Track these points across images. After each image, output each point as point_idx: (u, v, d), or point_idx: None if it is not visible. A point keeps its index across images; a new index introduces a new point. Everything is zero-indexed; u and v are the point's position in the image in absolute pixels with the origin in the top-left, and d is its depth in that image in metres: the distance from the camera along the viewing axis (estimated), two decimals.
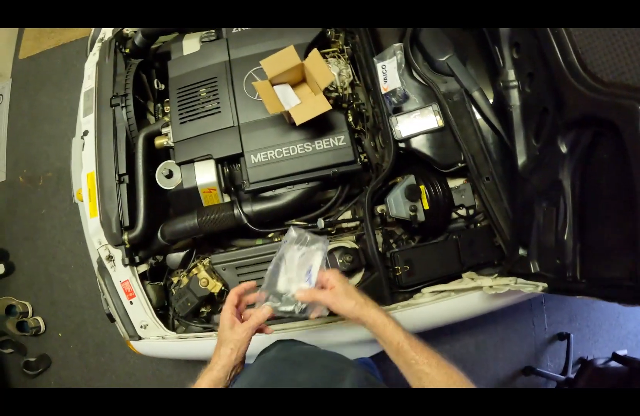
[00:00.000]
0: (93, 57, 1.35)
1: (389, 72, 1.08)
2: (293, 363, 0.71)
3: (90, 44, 1.41)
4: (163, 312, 1.22)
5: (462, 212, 1.15)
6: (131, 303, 1.16)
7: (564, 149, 0.84)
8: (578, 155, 0.83)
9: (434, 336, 1.63)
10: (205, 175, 1.10)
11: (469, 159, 1.06)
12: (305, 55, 1.14)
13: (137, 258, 1.16)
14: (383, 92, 1.08)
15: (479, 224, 1.16)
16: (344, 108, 1.16)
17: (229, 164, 1.12)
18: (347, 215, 1.18)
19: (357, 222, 1.13)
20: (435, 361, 0.65)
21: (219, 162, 1.10)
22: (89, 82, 1.33)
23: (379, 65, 1.10)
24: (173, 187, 1.15)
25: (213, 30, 1.26)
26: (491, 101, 1.09)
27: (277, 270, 0.76)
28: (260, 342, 0.81)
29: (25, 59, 2.36)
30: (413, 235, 1.17)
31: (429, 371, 0.64)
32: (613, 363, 1.56)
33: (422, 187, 1.08)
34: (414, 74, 1.12)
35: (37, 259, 1.99)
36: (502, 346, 1.74)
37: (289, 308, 0.73)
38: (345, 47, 1.23)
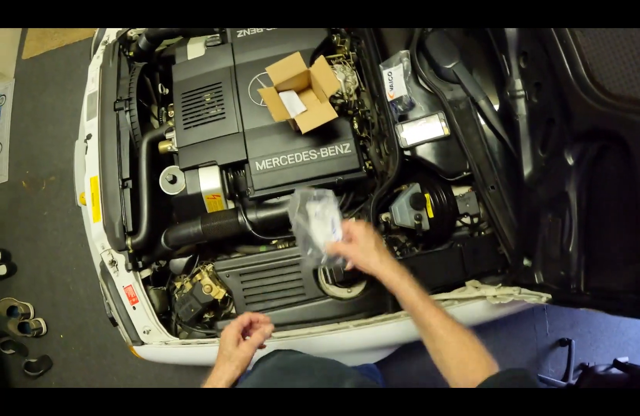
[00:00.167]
0: (97, 60, 1.35)
1: (395, 79, 1.07)
2: (292, 371, 0.71)
3: (94, 47, 1.40)
4: (166, 317, 1.22)
5: (467, 220, 1.14)
6: (134, 308, 1.16)
7: (570, 161, 0.83)
8: (585, 167, 0.82)
9: None
10: (209, 181, 1.10)
11: (475, 168, 1.06)
12: (311, 61, 1.14)
13: (140, 263, 1.16)
14: (389, 99, 1.08)
15: (483, 232, 1.16)
16: (349, 115, 1.15)
17: (234, 170, 1.12)
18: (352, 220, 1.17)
19: None
20: (450, 326, 0.65)
21: (224, 168, 1.10)
22: (92, 85, 1.32)
23: (385, 72, 1.10)
24: (177, 193, 1.15)
25: (218, 35, 1.25)
26: (496, 107, 1.09)
27: (305, 235, 0.75)
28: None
29: (29, 60, 2.35)
30: (417, 242, 1.17)
31: (442, 334, 0.65)
32: (614, 370, 1.56)
33: (427, 196, 1.08)
34: (420, 81, 1.12)
35: (39, 260, 1.99)
36: (504, 351, 1.74)
37: (323, 259, 0.74)
38: (350, 53, 1.23)
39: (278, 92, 1.00)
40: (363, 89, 1.21)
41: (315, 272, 1.06)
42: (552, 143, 0.90)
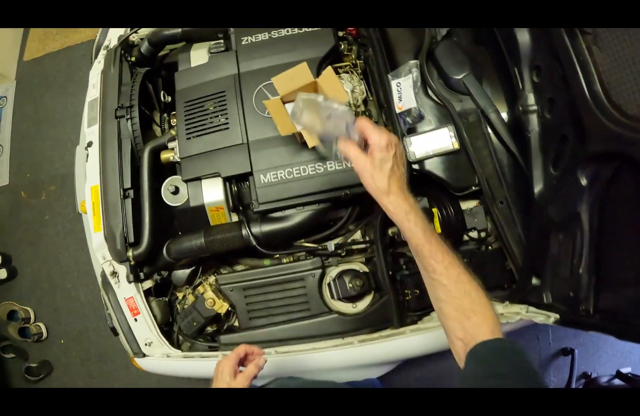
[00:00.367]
0: (98, 65, 1.31)
1: (404, 91, 1.05)
2: None
3: (95, 51, 1.37)
4: (168, 328, 1.21)
5: (474, 234, 1.13)
6: (135, 320, 1.15)
7: (583, 182, 0.81)
8: (598, 188, 0.80)
9: None
10: (212, 193, 1.08)
11: (484, 183, 1.04)
12: (318, 70, 1.11)
13: (141, 275, 1.15)
14: (397, 111, 1.05)
15: (490, 247, 1.14)
16: None
17: (237, 182, 1.10)
18: (357, 233, 1.16)
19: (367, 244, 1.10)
20: (455, 274, 0.60)
21: (227, 180, 1.08)
22: (93, 91, 1.29)
23: (393, 83, 1.07)
24: (179, 204, 1.13)
25: (222, 41, 1.22)
26: (504, 116, 1.07)
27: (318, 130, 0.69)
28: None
29: (30, 61, 2.32)
30: None
31: (446, 283, 0.60)
32: (617, 381, 1.56)
33: (434, 210, 1.06)
34: (429, 92, 1.09)
35: (39, 265, 1.97)
36: None
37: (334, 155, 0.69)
38: (358, 62, 1.20)
39: (284, 103, 0.98)
40: (370, 98, 1.19)
41: (320, 287, 1.05)
42: (564, 162, 0.88)
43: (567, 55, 0.81)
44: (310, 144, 0.91)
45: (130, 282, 1.14)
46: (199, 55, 1.22)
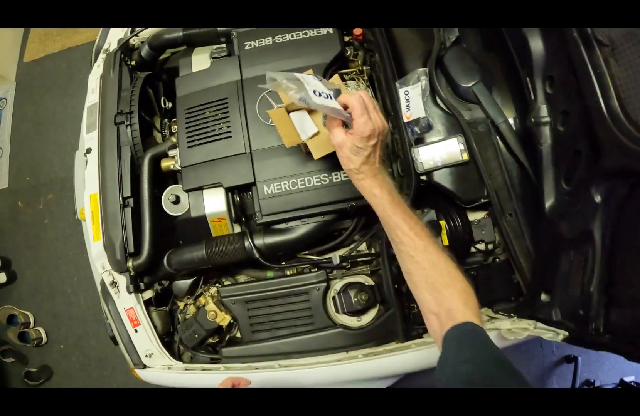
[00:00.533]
0: (97, 69, 1.28)
1: (413, 99, 1.02)
2: None
3: (95, 54, 1.34)
4: (168, 338, 1.19)
5: (481, 246, 1.10)
6: (136, 331, 1.13)
7: (597, 199, 0.79)
8: (612, 205, 0.78)
9: None
10: (214, 203, 1.05)
11: (492, 195, 1.01)
12: (323, 76, 1.08)
13: (142, 285, 1.13)
14: (405, 120, 1.02)
15: (497, 259, 1.12)
16: None
17: (240, 192, 1.08)
18: (363, 244, 1.14)
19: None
20: (422, 245, 0.61)
21: (229, 190, 1.05)
22: (92, 96, 1.26)
23: (401, 91, 1.04)
24: (180, 213, 1.11)
25: (224, 46, 1.19)
26: (514, 126, 1.04)
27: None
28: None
29: (30, 62, 2.29)
30: None
31: (413, 253, 0.61)
32: None
33: (442, 223, 1.03)
34: (438, 100, 1.06)
35: (39, 269, 1.96)
36: None
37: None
38: (364, 68, 1.16)
39: (288, 112, 0.95)
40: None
41: (324, 301, 1.03)
42: (577, 177, 0.85)
43: (584, 67, 0.78)
44: (315, 155, 0.88)
45: (130, 293, 1.12)
46: (200, 60, 1.19)
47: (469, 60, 1.08)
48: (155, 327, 1.14)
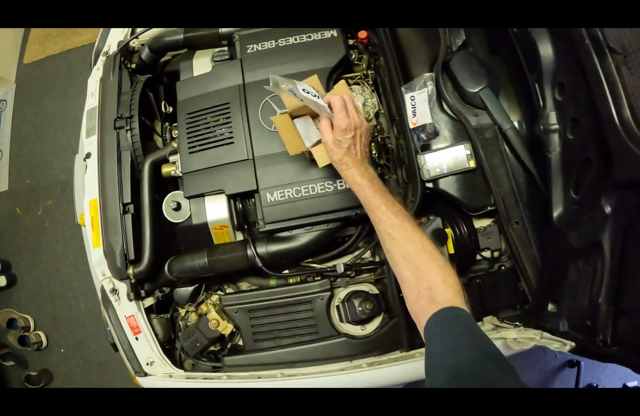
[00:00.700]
0: (97, 72, 1.26)
1: (419, 105, 1.00)
2: None
3: (95, 57, 1.31)
4: (170, 346, 1.18)
5: (487, 254, 1.09)
6: (137, 339, 1.12)
7: (607, 210, 0.77)
8: (623, 216, 0.76)
9: None
10: (216, 211, 1.04)
11: (499, 202, 1.00)
12: (327, 81, 1.06)
13: (142, 292, 1.11)
14: (411, 126, 1.01)
15: (502, 267, 1.10)
16: None
17: (242, 199, 1.06)
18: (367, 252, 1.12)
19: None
20: (398, 222, 0.65)
21: (232, 197, 1.04)
22: (92, 99, 1.24)
23: (407, 96, 1.02)
24: (181, 220, 1.09)
25: (226, 49, 1.17)
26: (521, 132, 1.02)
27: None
28: None
29: (30, 64, 2.27)
30: None
31: (390, 231, 0.65)
32: None
33: (447, 230, 1.02)
34: (444, 106, 1.04)
35: (39, 273, 1.94)
36: None
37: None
38: (369, 72, 1.14)
39: (292, 118, 0.93)
40: (382, 111, 1.14)
41: (328, 310, 1.02)
42: (587, 186, 0.84)
43: (595, 75, 0.76)
44: (320, 164, 0.87)
45: (130, 300, 1.10)
46: (201, 63, 1.17)
47: (476, 65, 1.06)
48: (156, 335, 1.12)
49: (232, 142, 1.05)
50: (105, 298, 1.15)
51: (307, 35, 1.10)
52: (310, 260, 1.07)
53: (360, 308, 0.98)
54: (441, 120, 1.02)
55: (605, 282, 0.81)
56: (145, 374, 1.11)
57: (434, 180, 1.00)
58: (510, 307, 1.10)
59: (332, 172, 0.99)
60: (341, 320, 1.01)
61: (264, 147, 1.03)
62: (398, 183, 1.14)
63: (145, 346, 1.11)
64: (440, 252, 0.65)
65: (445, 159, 0.98)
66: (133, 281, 1.08)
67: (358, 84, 1.13)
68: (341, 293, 1.04)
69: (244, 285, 1.18)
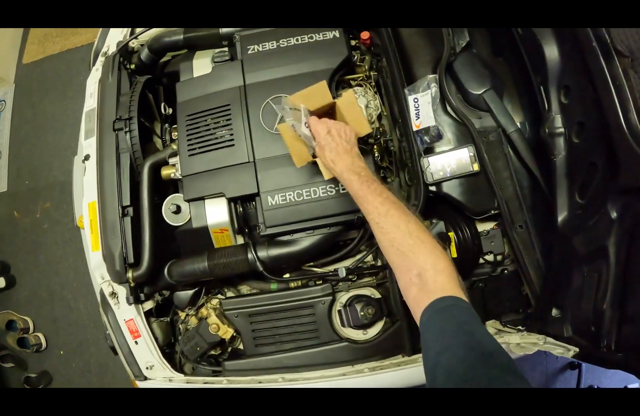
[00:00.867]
0: (95, 73, 1.24)
1: (422, 107, 0.99)
2: None
3: (94, 57, 1.30)
4: (169, 350, 1.17)
5: (490, 257, 1.08)
6: (136, 343, 1.11)
7: (613, 215, 0.77)
8: (629, 222, 0.75)
9: None
10: (216, 214, 1.03)
11: (503, 206, 0.99)
12: (330, 83, 1.05)
13: (142, 296, 1.10)
14: (414, 129, 0.99)
15: (505, 270, 1.09)
16: (370, 143, 1.07)
17: (243, 202, 1.04)
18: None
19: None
20: (385, 210, 0.65)
21: (232, 200, 1.02)
22: (90, 101, 1.23)
23: (410, 98, 1.01)
24: (181, 223, 1.08)
25: (226, 49, 1.15)
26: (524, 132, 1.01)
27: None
28: None
29: (29, 64, 2.25)
30: None
31: (378, 220, 0.65)
32: None
33: (451, 234, 1.01)
34: (448, 108, 1.03)
35: (38, 274, 1.93)
36: None
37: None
38: (371, 73, 1.13)
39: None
40: (385, 113, 1.12)
41: (329, 314, 1.01)
42: (592, 191, 0.83)
43: (602, 78, 0.75)
44: (326, 176, 0.84)
45: (130, 304, 1.09)
46: (202, 64, 1.15)
47: (480, 67, 1.05)
48: (155, 339, 1.11)
49: (233, 145, 1.03)
50: (105, 301, 1.14)
51: (309, 35, 1.08)
52: (311, 263, 1.06)
53: (362, 313, 0.97)
54: (445, 122, 1.01)
55: (610, 288, 0.80)
56: (145, 378, 1.10)
57: (438, 184, 0.99)
58: (513, 311, 1.10)
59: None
60: (343, 325, 1.01)
61: (265, 149, 1.02)
62: (401, 186, 1.13)
63: (145, 350, 1.10)
64: (430, 234, 0.63)
65: (448, 162, 0.97)
66: (132, 284, 1.07)
67: (360, 85, 1.11)
68: (343, 298, 1.03)
69: (244, 289, 1.16)
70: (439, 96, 1.00)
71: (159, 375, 1.10)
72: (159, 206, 1.11)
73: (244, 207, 1.05)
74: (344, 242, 1.09)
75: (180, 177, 1.07)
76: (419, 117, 0.99)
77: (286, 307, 1.00)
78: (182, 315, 1.19)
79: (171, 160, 1.10)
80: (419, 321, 0.59)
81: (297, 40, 1.09)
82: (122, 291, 1.11)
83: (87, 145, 1.20)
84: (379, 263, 1.06)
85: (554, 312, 0.92)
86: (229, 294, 1.16)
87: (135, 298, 1.08)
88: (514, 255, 1.02)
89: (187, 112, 1.09)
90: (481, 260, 1.09)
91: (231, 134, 1.04)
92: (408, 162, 1.05)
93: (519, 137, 0.99)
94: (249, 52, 1.10)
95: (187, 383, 1.07)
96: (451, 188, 0.99)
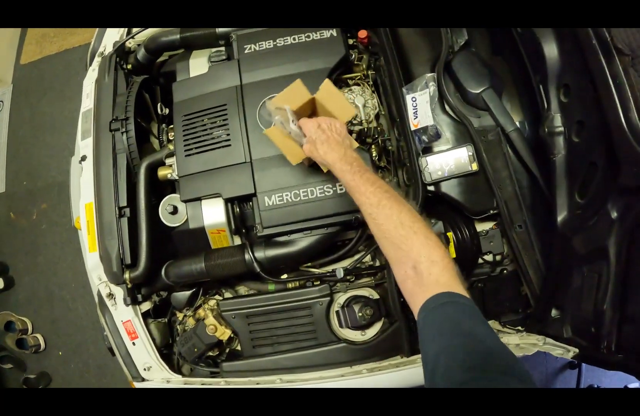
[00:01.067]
0: (92, 73, 1.24)
1: (420, 107, 0.98)
2: None
3: (90, 58, 1.29)
4: (167, 351, 1.17)
5: (489, 257, 1.07)
6: (134, 344, 1.10)
7: (614, 215, 0.76)
8: (629, 222, 0.75)
9: None
10: (213, 214, 1.02)
11: (502, 206, 0.98)
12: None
13: (139, 297, 1.10)
14: (412, 128, 0.98)
15: (504, 271, 1.09)
16: (367, 143, 1.06)
17: (240, 203, 1.04)
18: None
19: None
20: (376, 201, 0.64)
21: (229, 201, 1.02)
22: (87, 101, 1.22)
23: (408, 97, 1.00)
24: (178, 224, 1.07)
25: (223, 49, 1.14)
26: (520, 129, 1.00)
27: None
28: None
29: (27, 65, 2.25)
30: None
31: (370, 211, 0.64)
32: None
33: (449, 234, 1.00)
34: (447, 107, 1.02)
35: (37, 275, 1.93)
36: None
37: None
38: (369, 72, 1.12)
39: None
40: (382, 112, 1.12)
41: (327, 315, 1.00)
42: (592, 191, 0.82)
43: (602, 77, 0.74)
44: (324, 168, 0.84)
45: (127, 305, 1.09)
46: (198, 64, 1.15)
47: (479, 65, 1.04)
48: (153, 340, 1.11)
49: (230, 145, 1.03)
50: (102, 302, 1.13)
51: (306, 34, 1.08)
52: (309, 264, 1.05)
53: (360, 314, 0.96)
54: (443, 121, 1.00)
55: (610, 288, 0.79)
56: (143, 379, 1.10)
57: (436, 183, 0.98)
58: (512, 311, 1.09)
59: (331, 175, 0.97)
60: (341, 326, 1.00)
61: (262, 149, 1.01)
62: (399, 186, 1.12)
63: (143, 352, 1.10)
64: (424, 223, 0.62)
65: (447, 162, 0.96)
66: (129, 286, 1.07)
67: (358, 84, 1.10)
68: (341, 299, 1.02)
69: (242, 290, 1.16)
70: (437, 95, 0.99)
71: (156, 376, 1.10)
72: (156, 207, 1.11)
73: (240, 208, 1.04)
74: (342, 243, 1.09)
75: (177, 178, 1.06)
76: (417, 117, 0.98)
77: (284, 307, 0.99)
78: (179, 316, 1.18)
79: (168, 161, 1.09)
80: (415, 313, 0.58)
81: (294, 39, 1.08)
82: (119, 292, 1.10)
83: (84, 145, 1.19)
84: (377, 264, 1.06)
85: (554, 312, 0.92)
86: (227, 295, 1.15)
87: (133, 299, 1.08)
88: (513, 255, 1.01)
89: (183, 112, 1.08)
90: (480, 260, 1.09)
91: (228, 134, 1.03)
92: (406, 161, 1.04)
93: (518, 136, 0.98)
94: (246, 51, 1.09)
95: (185, 384, 1.07)
96: (450, 188, 0.98)
